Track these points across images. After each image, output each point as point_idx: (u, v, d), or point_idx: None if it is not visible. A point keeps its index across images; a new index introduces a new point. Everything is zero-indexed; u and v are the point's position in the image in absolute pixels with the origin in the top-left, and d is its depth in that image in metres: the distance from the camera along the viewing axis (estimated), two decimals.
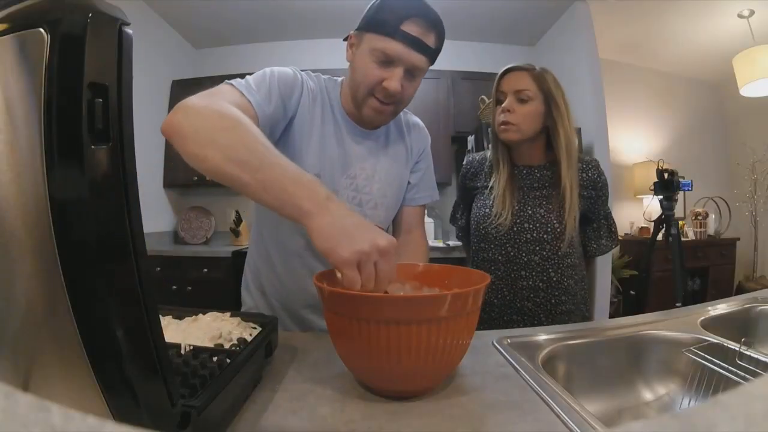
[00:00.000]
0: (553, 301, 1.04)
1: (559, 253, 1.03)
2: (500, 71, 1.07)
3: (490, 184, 1.11)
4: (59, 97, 0.28)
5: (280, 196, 0.53)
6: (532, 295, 1.04)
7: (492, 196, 1.09)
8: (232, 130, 0.58)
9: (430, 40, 0.78)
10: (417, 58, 0.77)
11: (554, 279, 1.03)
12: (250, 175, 0.54)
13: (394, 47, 0.75)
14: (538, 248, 1.03)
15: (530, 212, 1.05)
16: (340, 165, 0.87)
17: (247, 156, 0.55)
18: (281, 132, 0.83)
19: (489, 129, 1.17)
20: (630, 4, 2.78)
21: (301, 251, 0.88)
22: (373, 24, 0.77)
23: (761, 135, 3.59)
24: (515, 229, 1.05)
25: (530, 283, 1.04)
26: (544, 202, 1.05)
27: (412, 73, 0.80)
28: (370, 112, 0.82)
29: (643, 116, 3.83)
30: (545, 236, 1.03)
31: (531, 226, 1.04)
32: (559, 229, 1.02)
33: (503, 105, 1.04)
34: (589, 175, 1.08)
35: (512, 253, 1.05)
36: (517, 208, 1.06)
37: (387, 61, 0.77)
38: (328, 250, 0.50)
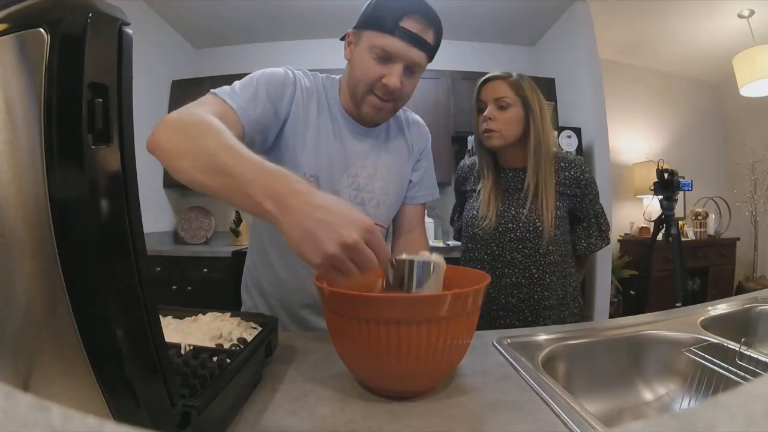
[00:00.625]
0: (536, 296, 1.07)
1: (541, 251, 1.06)
2: (478, 82, 1.11)
3: (478, 188, 1.15)
4: (59, 97, 0.28)
5: (244, 201, 0.51)
6: (515, 291, 1.07)
7: (479, 200, 1.13)
8: (199, 137, 0.57)
9: (429, 37, 0.78)
10: (416, 55, 0.77)
11: (536, 276, 1.07)
12: (216, 180, 0.52)
13: (394, 44, 0.75)
14: (521, 246, 1.07)
15: (514, 213, 1.09)
16: (340, 164, 0.87)
17: (211, 161, 0.53)
18: (275, 135, 0.82)
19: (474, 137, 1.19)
20: (630, 4, 2.78)
21: None
22: (371, 21, 0.77)
23: (761, 135, 3.59)
24: (500, 229, 1.09)
25: (513, 279, 1.07)
26: (527, 203, 1.08)
27: (411, 70, 0.80)
28: (370, 109, 0.82)
29: (643, 116, 3.83)
30: (528, 235, 1.06)
31: (514, 225, 1.07)
32: (541, 228, 1.05)
33: (485, 113, 1.07)
34: (571, 173, 1.09)
35: (497, 252, 1.09)
36: (501, 209, 1.10)
37: (386, 58, 0.77)
38: (300, 255, 0.49)
